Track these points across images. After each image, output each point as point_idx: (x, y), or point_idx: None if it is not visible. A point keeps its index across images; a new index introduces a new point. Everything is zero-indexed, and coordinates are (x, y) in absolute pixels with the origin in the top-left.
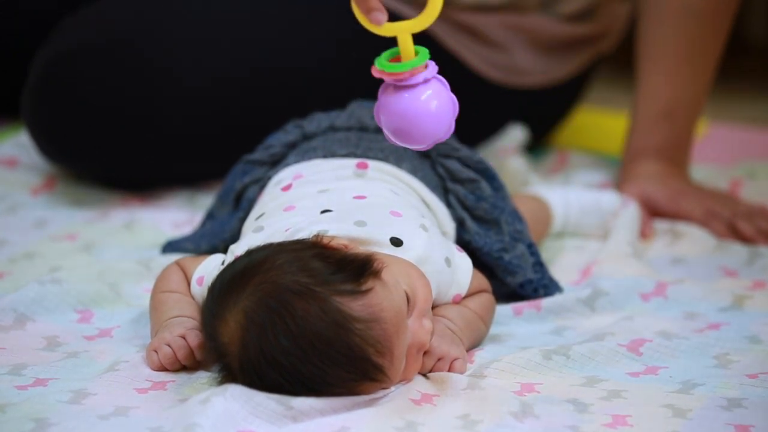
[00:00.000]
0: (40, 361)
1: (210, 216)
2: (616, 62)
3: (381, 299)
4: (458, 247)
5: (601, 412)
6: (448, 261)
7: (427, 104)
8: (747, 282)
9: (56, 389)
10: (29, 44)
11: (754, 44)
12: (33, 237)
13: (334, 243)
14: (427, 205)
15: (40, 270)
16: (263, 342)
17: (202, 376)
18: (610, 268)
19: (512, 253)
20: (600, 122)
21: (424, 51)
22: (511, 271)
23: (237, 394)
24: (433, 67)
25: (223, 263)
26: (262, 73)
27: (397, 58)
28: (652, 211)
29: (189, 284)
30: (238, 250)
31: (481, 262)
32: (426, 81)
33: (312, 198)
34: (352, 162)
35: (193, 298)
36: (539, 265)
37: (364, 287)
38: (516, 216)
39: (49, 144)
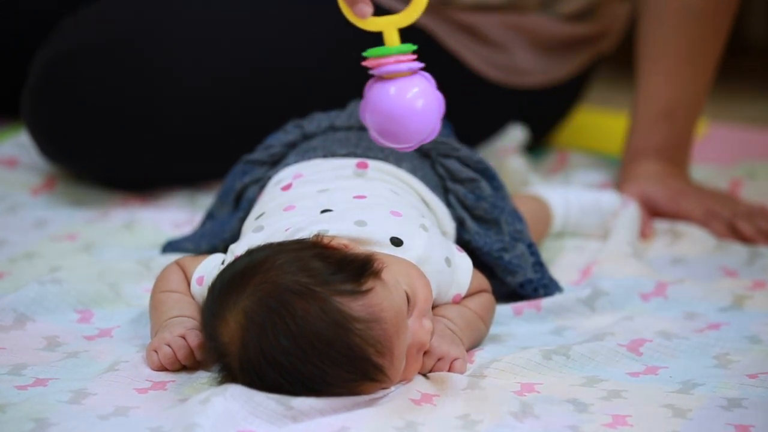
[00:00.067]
0: (40, 361)
1: (210, 216)
2: (616, 62)
3: (381, 299)
4: (458, 246)
5: (601, 412)
6: (448, 261)
7: (412, 102)
8: (747, 282)
9: (56, 389)
10: (29, 44)
11: (754, 44)
12: (33, 237)
13: (334, 243)
14: (427, 205)
15: (40, 270)
16: (263, 342)
17: (202, 376)
18: (610, 268)
19: (512, 252)
20: (600, 122)
21: (410, 46)
22: (511, 270)
23: (237, 394)
24: (419, 63)
25: (223, 263)
26: (262, 73)
27: None
28: (652, 211)
29: (189, 284)
30: (238, 249)
31: (481, 261)
32: (412, 76)
33: (312, 198)
34: (352, 162)
35: (193, 297)
36: (539, 265)
37: (364, 287)
38: (516, 216)
39: (49, 144)
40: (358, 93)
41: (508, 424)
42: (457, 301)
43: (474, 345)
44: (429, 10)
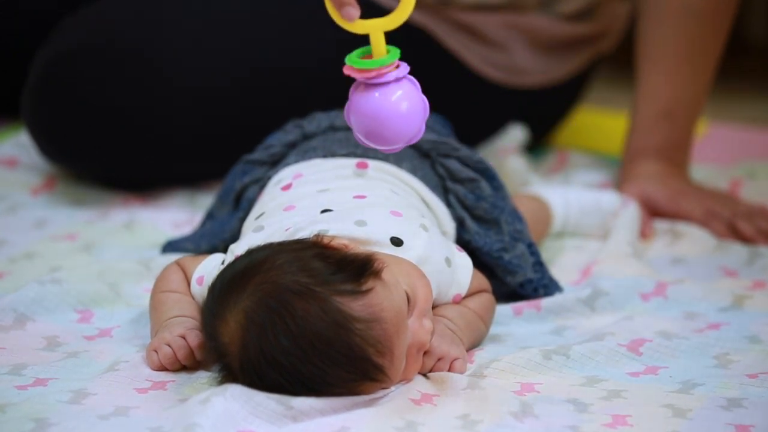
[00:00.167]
0: (40, 361)
1: (210, 216)
2: (616, 62)
3: (381, 299)
4: (458, 246)
5: (601, 412)
6: (448, 261)
7: (397, 105)
8: (747, 282)
9: (56, 389)
10: (29, 44)
11: (754, 44)
12: (33, 237)
13: (334, 243)
14: (427, 205)
15: (40, 270)
16: (263, 342)
17: (202, 376)
18: (610, 268)
19: (512, 252)
20: (600, 122)
21: (395, 50)
22: (511, 270)
23: (237, 394)
24: (404, 68)
25: (223, 263)
26: (262, 73)
27: (369, 56)
28: (652, 211)
29: (189, 284)
30: (238, 249)
31: (481, 261)
32: (397, 80)
33: (312, 197)
34: (352, 162)
35: (193, 297)
36: (539, 265)
37: (364, 287)
38: (516, 216)
39: (49, 144)
40: None
41: (508, 424)
42: (457, 301)
43: (474, 345)
44: (429, 10)
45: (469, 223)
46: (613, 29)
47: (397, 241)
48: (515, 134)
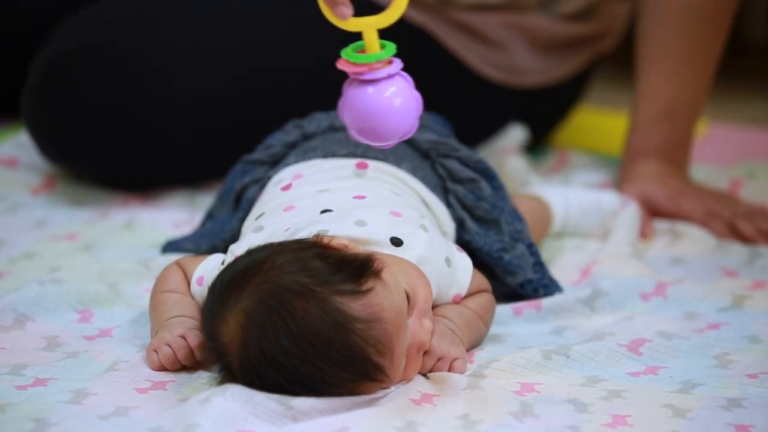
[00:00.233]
0: (40, 361)
1: (210, 216)
2: (616, 62)
3: (381, 299)
4: (458, 246)
5: (601, 412)
6: (448, 261)
7: (390, 101)
8: (747, 282)
9: (56, 389)
10: (29, 44)
11: (754, 44)
12: (33, 237)
13: (334, 243)
14: (427, 205)
15: (40, 270)
16: (263, 342)
17: (202, 376)
18: (610, 268)
19: (512, 253)
20: (600, 122)
21: (390, 47)
22: (511, 271)
23: (237, 394)
24: (397, 64)
25: (223, 263)
26: (262, 73)
27: (363, 51)
28: (652, 211)
29: (189, 284)
30: (238, 249)
31: (481, 262)
32: (390, 77)
33: (312, 198)
34: (352, 162)
35: (193, 298)
36: (539, 265)
37: (364, 287)
38: (516, 216)
39: (49, 144)
40: None
41: (508, 424)
42: (457, 301)
43: (474, 345)
44: (429, 9)
45: (469, 223)
46: (613, 29)
47: (396, 242)
48: (515, 134)
